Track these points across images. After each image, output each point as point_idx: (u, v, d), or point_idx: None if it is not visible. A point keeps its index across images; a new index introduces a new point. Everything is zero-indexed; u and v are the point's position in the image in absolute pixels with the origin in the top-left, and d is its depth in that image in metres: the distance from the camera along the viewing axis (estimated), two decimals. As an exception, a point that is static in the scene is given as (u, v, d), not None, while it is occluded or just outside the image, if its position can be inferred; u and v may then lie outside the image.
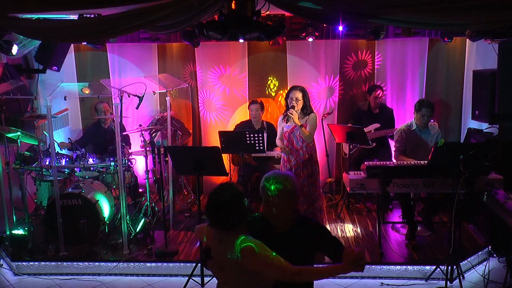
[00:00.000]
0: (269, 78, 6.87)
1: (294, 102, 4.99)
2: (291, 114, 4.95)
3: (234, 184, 2.77)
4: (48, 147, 5.41)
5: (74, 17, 4.62)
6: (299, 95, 5.01)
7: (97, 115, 6.28)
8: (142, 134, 5.55)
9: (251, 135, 5.19)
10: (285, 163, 5.21)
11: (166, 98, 5.81)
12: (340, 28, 5.20)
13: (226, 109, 6.92)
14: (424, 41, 6.50)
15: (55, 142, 5.62)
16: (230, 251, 2.52)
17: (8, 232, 5.25)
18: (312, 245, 2.75)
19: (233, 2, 3.53)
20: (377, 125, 6.24)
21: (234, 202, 2.55)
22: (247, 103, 6.74)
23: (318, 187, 5.27)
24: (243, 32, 3.60)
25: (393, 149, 5.71)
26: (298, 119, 5.00)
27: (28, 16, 4.35)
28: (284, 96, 5.46)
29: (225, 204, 2.53)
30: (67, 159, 5.39)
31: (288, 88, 5.34)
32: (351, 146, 5.98)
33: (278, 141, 5.36)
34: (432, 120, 5.44)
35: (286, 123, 5.09)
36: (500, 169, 4.79)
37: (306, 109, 5.08)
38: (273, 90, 6.87)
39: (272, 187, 2.69)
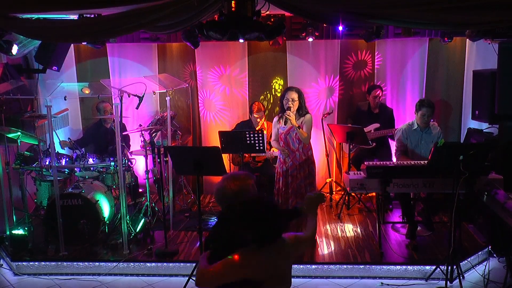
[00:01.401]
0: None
1: (290, 103, 4.98)
2: (288, 116, 4.93)
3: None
4: (48, 147, 5.41)
5: (74, 17, 4.61)
6: (295, 95, 5.00)
7: (99, 115, 6.27)
8: (142, 134, 5.56)
9: (251, 135, 5.20)
10: (281, 164, 5.21)
11: (166, 98, 5.81)
12: (340, 28, 5.21)
13: (226, 109, 6.92)
14: (424, 41, 6.50)
15: (58, 140, 5.63)
16: (284, 255, 2.54)
17: (8, 232, 5.24)
18: None
19: (233, 2, 3.52)
20: (377, 125, 6.24)
21: (275, 207, 2.53)
22: (247, 104, 6.75)
23: (315, 187, 5.27)
24: (243, 32, 3.60)
25: (393, 148, 5.70)
26: (295, 120, 4.99)
27: (28, 16, 4.35)
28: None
29: (272, 215, 2.46)
30: (67, 159, 5.39)
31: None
32: (351, 146, 5.98)
33: (273, 142, 5.35)
34: (431, 120, 5.44)
35: (285, 124, 5.08)
36: (500, 169, 4.78)
37: (302, 110, 5.07)
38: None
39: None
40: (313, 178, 5.19)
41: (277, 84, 6.85)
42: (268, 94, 6.88)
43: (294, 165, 5.12)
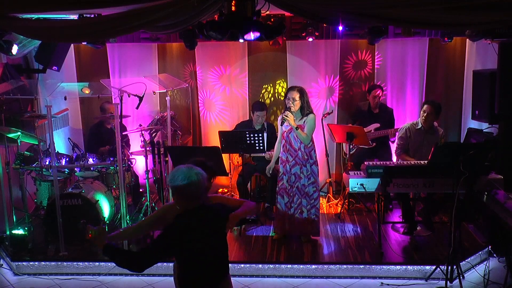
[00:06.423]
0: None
1: (290, 102, 4.96)
2: (286, 116, 4.92)
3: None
4: (48, 147, 5.41)
5: (74, 17, 4.62)
6: (296, 95, 4.97)
7: (102, 114, 6.24)
8: (142, 134, 5.56)
9: (251, 135, 5.19)
10: (284, 163, 5.19)
11: (166, 98, 5.81)
12: (340, 28, 5.20)
13: (226, 109, 6.92)
14: (424, 41, 6.50)
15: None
16: None
17: (8, 232, 5.25)
18: None
19: (233, 2, 3.52)
20: (377, 125, 6.23)
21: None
22: (248, 103, 6.75)
23: (318, 186, 5.26)
24: (243, 32, 3.60)
25: (393, 147, 5.69)
26: (296, 120, 4.97)
27: (28, 16, 4.35)
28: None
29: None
30: (67, 159, 5.39)
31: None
32: (351, 146, 5.97)
33: (277, 145, 5.30)
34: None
35: (281, 125, 5.07)
36: (500, 169, 4.78)
37: (305, 110, 5.03)
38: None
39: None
40: (316, 177, 5.16)
41: (280, 87, 6.83)
42: (269, 95, 6.88)
43: (296, 163, 5.10)
